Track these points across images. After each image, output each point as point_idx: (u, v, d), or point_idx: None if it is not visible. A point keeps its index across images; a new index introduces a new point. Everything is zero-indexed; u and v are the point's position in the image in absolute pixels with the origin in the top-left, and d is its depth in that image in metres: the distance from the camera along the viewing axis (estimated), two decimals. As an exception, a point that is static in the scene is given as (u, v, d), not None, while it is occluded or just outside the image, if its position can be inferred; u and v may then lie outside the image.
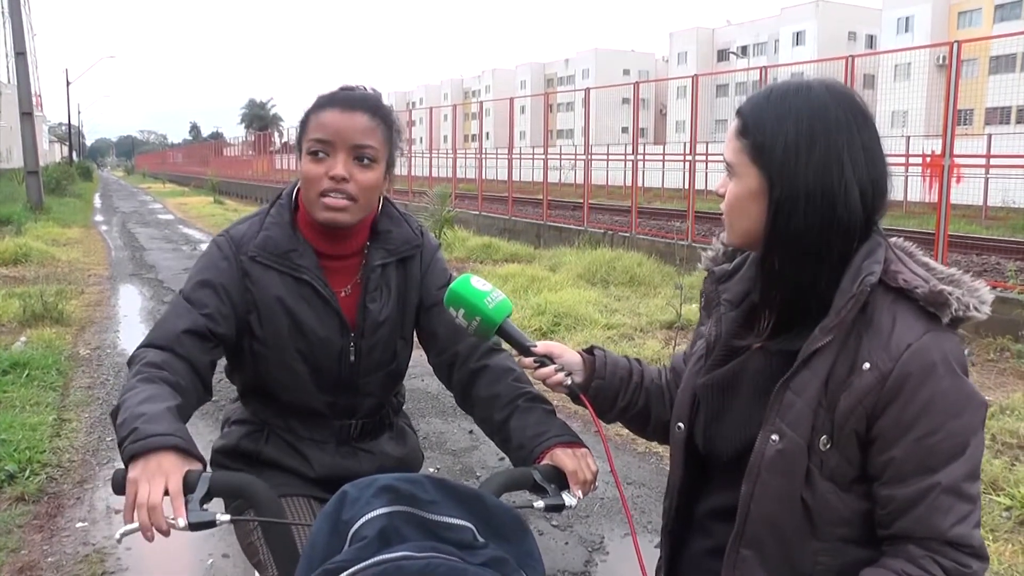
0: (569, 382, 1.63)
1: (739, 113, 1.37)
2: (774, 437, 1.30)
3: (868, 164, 1.29)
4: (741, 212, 1.36)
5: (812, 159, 1.27)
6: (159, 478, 1.36)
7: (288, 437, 1.88)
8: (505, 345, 1.71)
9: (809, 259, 1.30)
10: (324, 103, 1.75)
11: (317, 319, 1.80)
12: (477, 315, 1.60)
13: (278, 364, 1.82)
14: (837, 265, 1.29)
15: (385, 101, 1.85)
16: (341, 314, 1.82)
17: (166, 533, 1.34)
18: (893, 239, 1.37)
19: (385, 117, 1.78)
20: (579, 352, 1.69)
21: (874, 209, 1.31)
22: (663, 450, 5.16)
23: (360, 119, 1.73)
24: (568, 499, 1.56)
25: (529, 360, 1.64)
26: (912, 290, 1.27)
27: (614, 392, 1.68)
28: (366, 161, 1.74)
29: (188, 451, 1.43)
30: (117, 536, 1.36)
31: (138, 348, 1.70)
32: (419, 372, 6.52)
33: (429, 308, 1.91)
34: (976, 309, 1.26)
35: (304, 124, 1.77)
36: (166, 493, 1.35)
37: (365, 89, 1.81)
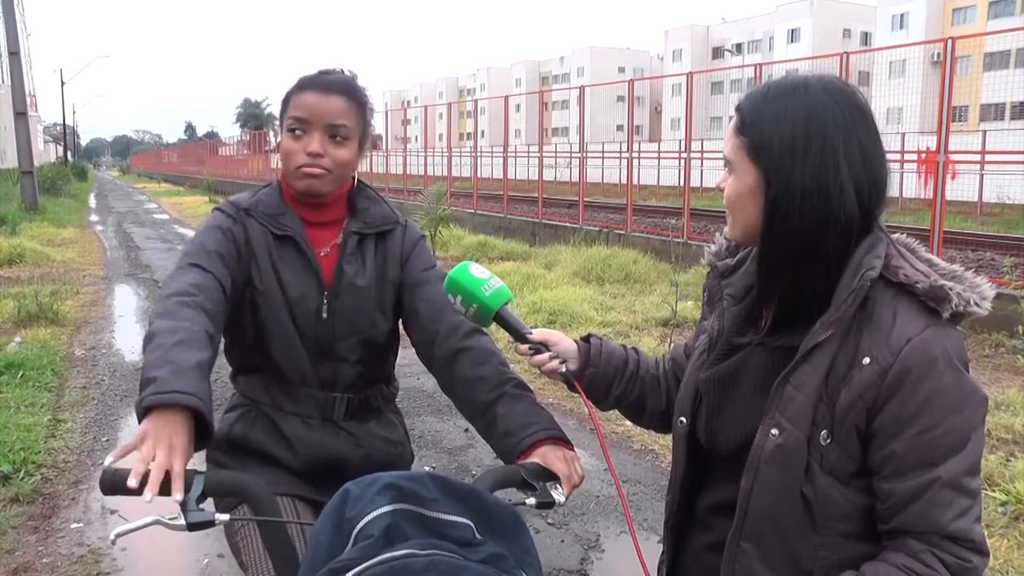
0: (563, 370, 1.64)
1: (738, 110, 1.38)
2: (774, 431, 1.30)
3: (865, 163, 1.29)
4: (740, 208, 1.37)
5: (808, 159, 1.27)
6: (165, 447, 1.36)
7: (274, 415, 1.92)
8: (503, 332, 1.72)
9: (806, 257, 1.30)
10: (303, 85, 1.89)
11: (295, 275, 1.90)
12: (474, 302, 1.63)
13: (270, 314, 1.90)
14: (835, 263, 1.30)
15: (381, 100, 1.93)
16: (319, 272, 1.92)
17: (154, 493, 1.32)
18: (895, 235, 1.37)
19: (360, 99, 1.92)
20: (575, 340, 1.70)
21: (872, 207, 1.31)
22: (659, 448, 5.17)
23: (336, 101, 1.87)
24: (557, 496, 1.57)
25: (525, 347, 1.65)
26: (913, 285, 1.27)
27: (608, 381, 1.68)
28: (339, 139, 1.88)
29: (203, 415, 1.43)
30: (112, 537, 1.35)
31: (174, 269, 1.79)
32: (415, 371, 6.52)
33: (412, 287, 1.98)
34: (977, 305, 1.27)
35: (285, 103, 1.91)
36: (161, 492, 1.34)
37: (342, 72, 1.95)
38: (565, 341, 1.68)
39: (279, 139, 1.92)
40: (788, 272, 1.32)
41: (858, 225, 1.29)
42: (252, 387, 1.97)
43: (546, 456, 1.63)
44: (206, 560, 3.75)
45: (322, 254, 1.94)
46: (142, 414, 1.41)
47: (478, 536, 1.14)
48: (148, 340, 1.55)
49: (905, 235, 1.40)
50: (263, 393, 1.94)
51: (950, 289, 1.25)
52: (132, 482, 1.31)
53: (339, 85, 1.89)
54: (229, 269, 1.83)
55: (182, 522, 1.33)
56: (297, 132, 1.86)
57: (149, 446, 1.35)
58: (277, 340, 1.90)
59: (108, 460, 1.36)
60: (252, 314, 1.90)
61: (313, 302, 1.90)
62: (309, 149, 1.85)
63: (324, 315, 1.91)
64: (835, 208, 1.27)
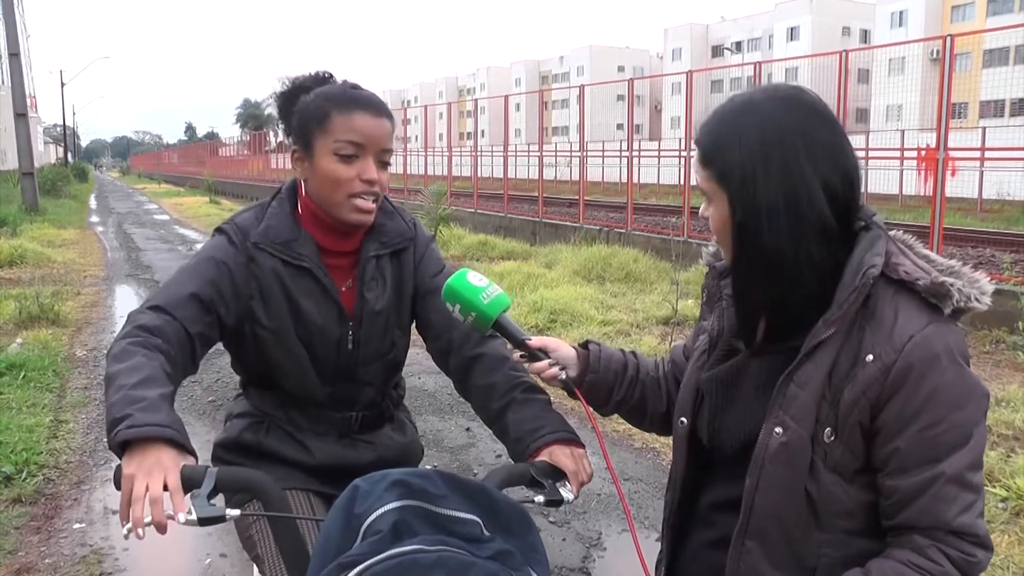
0: (563, 376, 1.64)
1: (696, 143, 1.38)
2: (778, 430, 1.30)
3: (832, 159, 1.29)
4: (724, 235, 1.37)
5: (770, 174, 1.27)
6: (157, 473, 1.36)
7: (289, 428, 1.90)
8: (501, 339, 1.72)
9: (781, 273, 1.30)
10: (352, 104, 1.76)
11: (316, 307, 1.82)
12: (473, 310, 1.62)
13: (280, 350, 1.83)
14: (819, 267, 1.29)
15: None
16: (340, 303, 1.84)
17: (163, 529, 1.34)
18: (893, 232, 1.37)
19: (393, 121, 1.84)
20: (574, 346, 1.70)
21: (849, 200, 1.31)
22: (660, 446, 5.17)
23: (386, 124, 1.79)
24: (566, 494, 1.57)
25: (523, 354, 1.65)
26: (914, 282, 1.27)
27: (608, 386, 1.69)
28: (385, 163, 1.80)
29: (183, 444, 1.43)
30: (124, 532, 1.35)
31: (139, 308, 1.70)
32: (417, 370, 6.53)
33: (424, 296, 1.94)
34: (977, 300, 1.27)
35: (324, 121, 1.75)
36: (165, 489, 1.35)
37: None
38: (564, 348, 1.69)
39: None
40: (766, 293, 1.32)
41: (833, 225, 1.29)
42: (265, 402, 1.92)
43: (554, 454, 1.63)
44: (208, 560, 3.75)
45: (344, 288, 1.86)
46: (119, 451, 1.41)
47: (486, 533, 1.15)
48: (108, 383, 1.52)
49: (902, 231, 1.40)
50: (278, 410, 1.91)
51: (951, 285, 1.25)
52: (128, 532, 1.33)
53: (385, 106, 1.80)
54: (210, 313, 1.73)
55: (193, 517, 1.34)
56: (349, 157, 1.74)
57: (139, 486, 1.34)
58: (289, 371, 1.85)
59: (124, 532, 1.35)
60: (256, 349, 1.84)
61: (335, 333, 1.84)
62: (368, 176, 1.74)
63: (349, 346, 1.86)
64: (805, 213, 1.27)
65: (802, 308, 1.31)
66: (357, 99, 1.77)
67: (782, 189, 1.27)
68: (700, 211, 1.42)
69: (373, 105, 1.78)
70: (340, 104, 1.75)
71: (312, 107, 1.77)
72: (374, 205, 1.78)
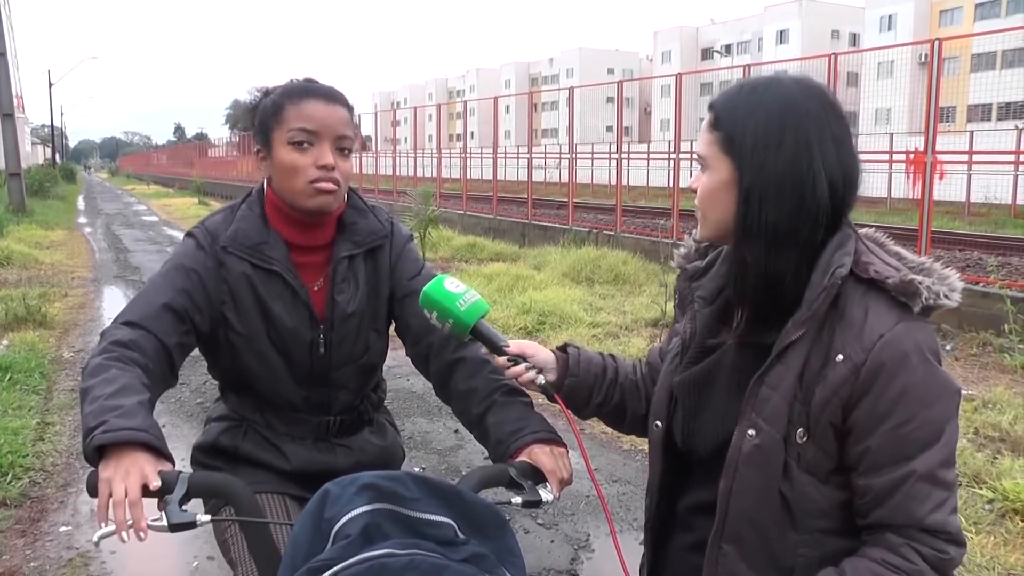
0: (542, 381, 1.64)
1: (711, 107, 1.39)
2: (751, 432, 1.31)
3: (838, 156, 1.30)
4: (713, 203, 1.37)
5: (781, 149, 1.28)
6: (135, 476, 1.35)
7: (266, 432, 1.89)
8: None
9: (779, 248, 1.30)
10: (303, 93, 1.77)
11: (286, 310, 1.81)
12: (450, 317, 1.61)
13: (253, 354, 1.82)
14: (806, 255, 1.30)
15: (370, 101, 1.91)
16: (310, 306, 1.83)
17: (144, 532, 1.33)
18: (863, 231, 1.38)
19: (353, 111, 1.85)
20: (552, 350, 1.70)
21: (844, 200, 1.32)
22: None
23: (341, 111, 1.78)
24: (545, 495, 1.57)
25: (503, 360, 1.64)
26: (883, 281, 1.28)
27: (588, 389, 1.69)
28: (346, 151, 1.79)
29: (159, 449, 1.43)
30: (95, 539, 1.35)
31: (112, 324, 1.69)
32: (404, 372, 6.52)
33: (401, 299, 1.92)
34: (946, 297, 1.28)
35: (278, 114, 1.76)
36: (145, 494, 1.34)
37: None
38: (542, 352, 1.68)
39: (260, 149, 1.81)
40: (762, 265, 1.32)
41: (828, 218, 1.30)
42: (242, 405, 1.92)
43: (533, 454, 1.63)
44: (195, 563, 3.74)
45: (315, 288, 1.85)
46: (95, 458, 1.40)
47: (460, 535, 1.15)
48: (83, 396, 1.52)
49: (887, 234, 1.41)
50: (255, 413, 1.90)
51: (920, 283, 1.26)
52: (102, 538, 1.33)
53: (340, 95, 1.80)
54: (185, 322, 1.73)
55: (164, 523, 1.33)
56: (304, 145, 1.73)
57: (118, 489, 1.34)
58: (263, 376, 1.84)
59: (95, 538, 1.35)
60: (230, 354, 1.84)
61: (306, 336, 1.83)
62: (323, 161, 1.73)
63: (321, 350, 1.85)
64: (808, 199, 1.28)
65: (785, 292, 1.31)
66: (309, 89, 1.79)
67: (791, 168, 1.28)
68: (690, 183, 1.42)
69: (326, 93, 1.79)
70: (293, 95, 1.77)
71: (269, 104, 1.79)
72: (335, 187, 1.76)
